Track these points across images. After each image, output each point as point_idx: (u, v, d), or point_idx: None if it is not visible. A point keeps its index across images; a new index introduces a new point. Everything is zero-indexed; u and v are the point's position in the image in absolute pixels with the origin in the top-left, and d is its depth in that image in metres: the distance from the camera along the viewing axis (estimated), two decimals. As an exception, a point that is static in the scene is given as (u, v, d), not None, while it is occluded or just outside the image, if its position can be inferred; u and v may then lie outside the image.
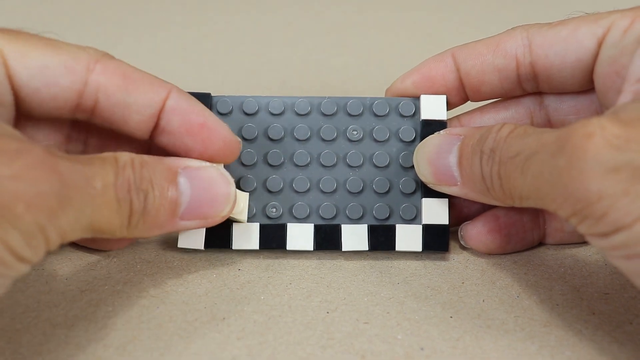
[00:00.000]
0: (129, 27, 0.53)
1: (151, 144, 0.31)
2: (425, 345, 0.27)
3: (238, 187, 0.32)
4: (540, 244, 0.33)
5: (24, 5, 0.56)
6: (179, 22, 0.54)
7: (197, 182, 0.29)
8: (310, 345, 0.27)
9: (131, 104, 0.29)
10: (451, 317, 0.29)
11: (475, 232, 0.32)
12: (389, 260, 0.32)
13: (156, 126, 0.29)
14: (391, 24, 0.54)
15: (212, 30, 0.54)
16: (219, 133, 0.30)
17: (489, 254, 0.32)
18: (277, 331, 0.28)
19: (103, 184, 0.25)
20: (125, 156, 0.27)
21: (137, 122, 0.29)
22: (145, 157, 0.28)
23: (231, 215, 0.31)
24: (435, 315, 0.29)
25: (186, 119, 0.29)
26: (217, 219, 0.29)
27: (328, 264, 0.32)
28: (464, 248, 0.33)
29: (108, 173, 0.26)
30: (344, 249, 0.32)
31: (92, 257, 0.32)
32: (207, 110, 0.30)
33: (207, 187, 0.29)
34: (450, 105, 0.33)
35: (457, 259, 0.33)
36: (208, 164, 0.29)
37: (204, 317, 0.29)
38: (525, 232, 0.32)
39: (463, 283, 0.31)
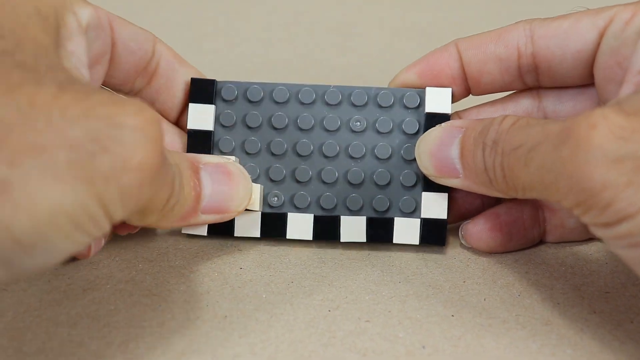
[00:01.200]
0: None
1: None
2: (426, 343, 0.28)
3: None
4: (541, 241, 0.33)
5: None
6: (179, 22, 0.54)
7: (217, 177, 0.29)
8: (312, 344, 0.27)
9: (182, 73, 0.33)
10: (453, 315, 0.29)
11: (477, 230, 0.32)
12: (391, 259, 0.32)
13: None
14: (391, 24, 0.54)
15: (212, 29, 0.54)
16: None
17: (490, 252, 0.33)
18: (279, 329, 0.28)
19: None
20: None
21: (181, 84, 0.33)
22: (169, 149, 0.28)
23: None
24: (436, 314, 0.29)
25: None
26: (234, 214, 0.30)
27: (330, 263, 0.32)
28: (466, 247, 0.33)
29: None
30: (342, 239, 0.32)
31: (94, 256, 0.32)
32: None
33: (227, 183, 0.30)
34: (453, 98, 0.33)
35: (458, 257, 0.33)
36: (226, 159, 0.30)
37: (205, 316, 0.29)
38: (526, 230, 0.32)
39: (464, 282, 0.31)
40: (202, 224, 0.30)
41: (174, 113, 0.33)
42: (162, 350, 0.27)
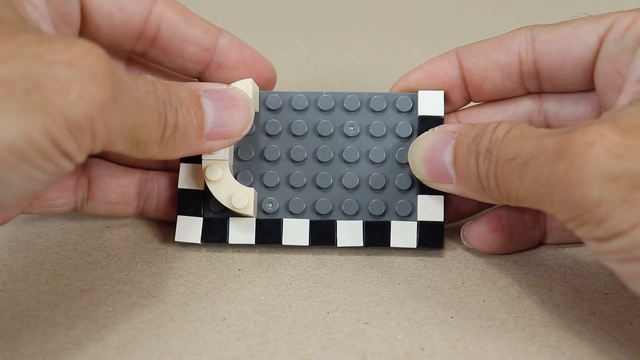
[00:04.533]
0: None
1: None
2: (425, 345, 0.27)
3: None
4: (541, 243, 0.33)
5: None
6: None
7: (219, 102, 0.29)
8: (311, 346, 0.27)
9: (189, 35, 0.31)
10: (452, 317, 0.29)
11: (478, 231, 0.32)
12: (390, 260, 0.32)
13: (210, 64, 0.32)
14: (391, 24, 0.54)
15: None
16: (267, 64, 0.33)
17: (491, 253, 0.32)
18: (277, 331, 0.28)
19: (145, 89, 0.26)
20: (150, 76, 0.27)
21: (192, 53, 0.32)
22: (167, 81, 0.28)
23: (238, 211, 0.31)
24: (435, 316, 0.29)
25: (242, 53, 0.33)
26: (238, 138, 0.30)
27: (329, 264, 0.32)
28: (466, 248, 0.33)
29: (147, 82, 0.26)
30: (339, 244, 0.32)
31: (92, 257, 0.32)
32: (250, 46, 0.33)
33: (229, 107, 0.29)
34: (452, 105, 0.33)
35: (457, 259, 0.33)
36: (226, 86, 0.30)
37: (204, 318, 0.29)
38: (527, 231, 0.32)
39: (463, 283, 0.31)
40: (208, 151, 0.30)
41: (192, 66, 0.32)
42: (160, 352, 0.27)
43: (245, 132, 0.30)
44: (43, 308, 0.29)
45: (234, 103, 0.30)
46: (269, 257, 0.32)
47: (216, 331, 0.28)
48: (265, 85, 0.33)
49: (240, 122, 0.30)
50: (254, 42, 0.51)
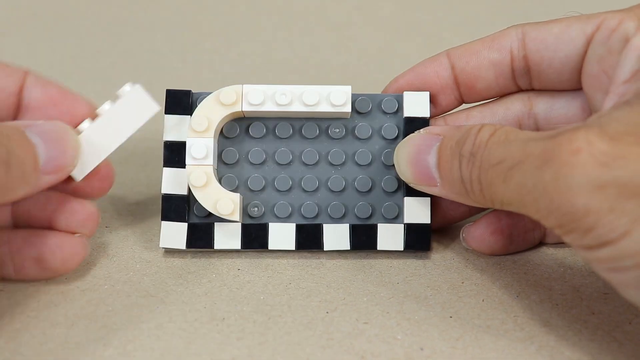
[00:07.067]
0: (128, 26, 0.53)
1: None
2: (425, 345, 0.27)
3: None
4: (541, 243, 0.33)
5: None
6: (179, 22, 0.54)
7: (45, 135, 0.28)
8: (310, 346, 0.27)
9: None
10: (451, 317, 0.29)
11: (478, 233, 0.32)
12: (389, 260, 0.32)
13: (19, 108, 0.30)
14: (391, 24, 0.54)
15: (211, 30, 0.54)
16: (79, 99, 0.30)
17: (491, 254, 0.32)
18: (276, 331, 0.28)
19: None
20: None
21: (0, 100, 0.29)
22: None
23: (224, 217, 0.31)
24: (435, 315, 0.29)
25: (47, 89, 0.30)
26: (71, 169, 0.29)
27: (328, 264, 0.32)
28: (465, 249, 0.33)
29: None
30: (325, 248, 0.32)
31: (92, 257, 0.32)
32: (58, 84, 0.30)
33: (56, 138, 0.28)
34: (444, 107, 0.33)
35: (457, 258, 0.33)
36: (44, 120, 0.29)
37: (203, 317, 0.29)
38: (526, 232, 0.32)
39: (463, 283, 0.31)
40: (46, 187, 0.28)
41: (2, 114, 0.30)
42: (160, 352, 0.27)
43: (76, 162, 0.29)
44: (42, 308, 0.29)
45: (59, 135, 0.28)
46: (268, 257, 0.32)
47: (216, 331, 0.28)
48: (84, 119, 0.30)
49: (70, 151, 0.29)
50: (254, 42, 0.51)
